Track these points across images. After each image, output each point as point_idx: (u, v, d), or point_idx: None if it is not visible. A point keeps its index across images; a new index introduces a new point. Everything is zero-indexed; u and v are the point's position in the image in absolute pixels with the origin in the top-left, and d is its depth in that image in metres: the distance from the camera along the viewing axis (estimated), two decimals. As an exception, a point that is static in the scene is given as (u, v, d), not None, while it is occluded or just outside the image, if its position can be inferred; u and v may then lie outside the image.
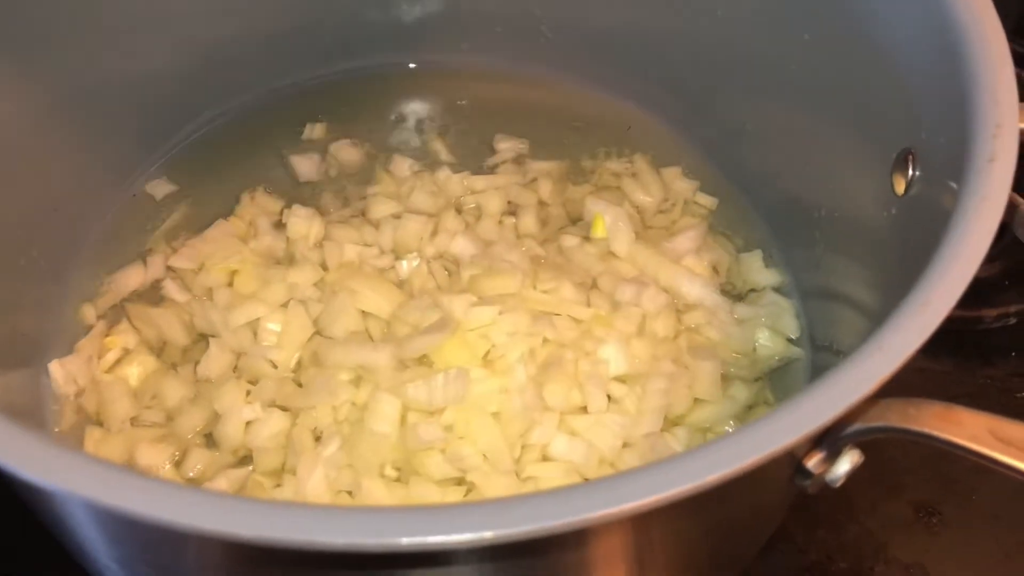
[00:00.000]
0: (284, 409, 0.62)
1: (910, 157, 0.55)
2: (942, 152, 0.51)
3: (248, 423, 0.62)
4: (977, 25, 0.51)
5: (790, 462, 0.42)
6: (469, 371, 0.60)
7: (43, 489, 0.36)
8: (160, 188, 0.77)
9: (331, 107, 0.83)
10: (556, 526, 0.34)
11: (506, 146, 0.81)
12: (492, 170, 0.79)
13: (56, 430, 0.64)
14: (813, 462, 0.43)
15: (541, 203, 0.77)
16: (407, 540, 0.32)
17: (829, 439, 0.42)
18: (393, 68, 0.86)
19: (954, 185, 0.46)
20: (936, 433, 0.39)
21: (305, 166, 0.79)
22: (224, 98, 0.82)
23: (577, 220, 0.76)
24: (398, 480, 0.59)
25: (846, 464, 0.43)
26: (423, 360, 0.63)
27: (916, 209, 0.54)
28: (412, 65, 0.86)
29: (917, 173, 0.54)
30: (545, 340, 0.64)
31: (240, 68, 0.81)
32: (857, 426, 0.40)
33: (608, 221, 0.73)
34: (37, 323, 0.68)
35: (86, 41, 0.69)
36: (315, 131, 0.81)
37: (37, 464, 0.36)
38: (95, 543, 0.46)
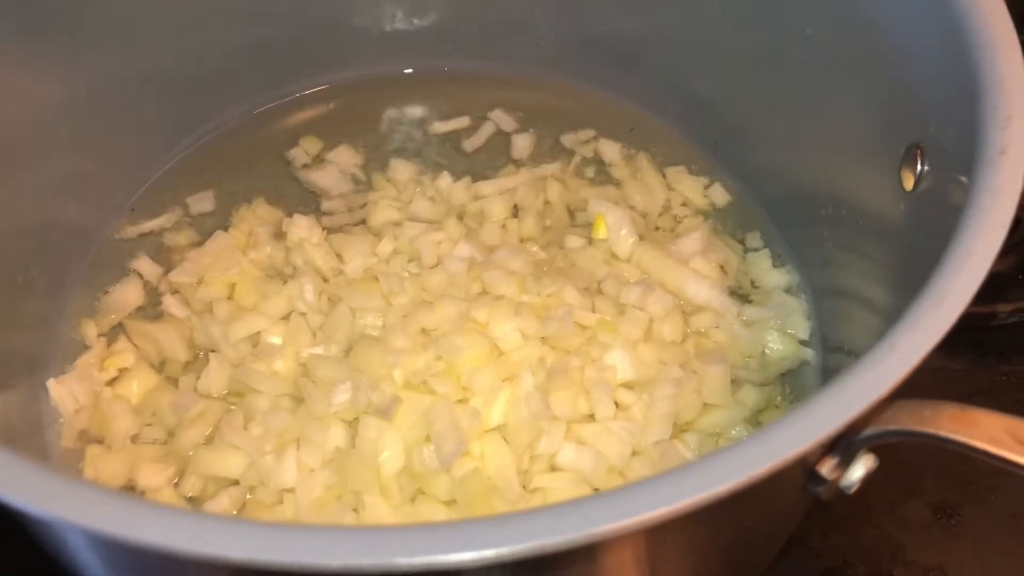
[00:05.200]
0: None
1: (918, 152, 0.54)
2: (951, 146, 0.50)
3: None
4: (983, 14, 0.50)
5: (803, 469, 0.41)
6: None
7: (33, 516, 0.35)
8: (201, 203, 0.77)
9: (328, 115, 0.83)
10: (568, 540, 0.33)
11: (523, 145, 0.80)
12: (494, 174, 0.78)
13: (56, 448, 0.63)
14: (826, 468, 0.41)
15: (544, 205, 0.76)
16: (405, 560, 0.31)
17: (842, 444, 0.40)
18: (390, 74, 0.85)
19: (964, 179, 0.45)
20: (953, 436, 0.38)
21: (325, 180, 0.78)
22: (220, 110, 0.81)
23: (580, 223, 0.75)
24: (402, 498, 0.58)
25: (860, 469, 0.42)
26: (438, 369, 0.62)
27: (926, 204, 0.53)
28: (408, 71, 0.85)
29: (926, 168, 0.53)
30: (551, 347, 0.63)
31: (235, 80, 0.80)
32: (871, 430, 0.39)
33: (610, 222, 0.72)
34: (35, 341, 0.67)
35: (89, 49, 0.69)
36: (310, 143, 0.80)
37: (26, 490, 0.35)
38: (95, 569, 0.45)
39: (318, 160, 0.79)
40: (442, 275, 0.68)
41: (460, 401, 0.61)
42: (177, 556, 0.33)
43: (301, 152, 0.80)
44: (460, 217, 0.75)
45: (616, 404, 0.61)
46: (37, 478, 0.35)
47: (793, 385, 0.66)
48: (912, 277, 0.49)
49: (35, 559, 0.53)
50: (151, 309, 0.70)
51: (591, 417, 0.61)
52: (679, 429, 0.62)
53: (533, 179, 0.77)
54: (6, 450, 0.37)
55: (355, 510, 0.58)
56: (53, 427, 0.64)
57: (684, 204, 0.76)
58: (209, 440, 0.62)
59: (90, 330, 0.69)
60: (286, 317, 0.67)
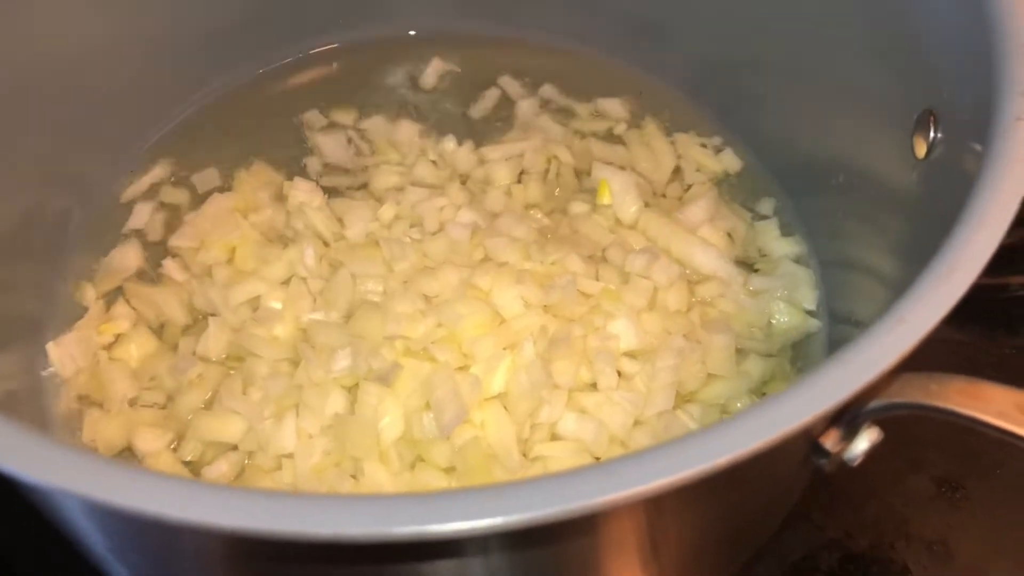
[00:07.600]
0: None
1: (931, 118, 0.52)
2: (966, 112, 0.49)
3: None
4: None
5: (806, 441, 0.40)
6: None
7: (28, 483, 0.35)
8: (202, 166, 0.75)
9: (332, 76, 0.81)
10: (568, 510, 0.32)
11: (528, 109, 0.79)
12: (499, 138, 0.77)
13: (55, 412, 0.63)
14: (830, 440, 0.41)
15: (550, 171, 0.75)
16: (397, 530, 0.31)
17: (847, 417, 0.40)
18: (395, 36, 0.83)
19: (978, 147, 0.44)
20: (960, 410, 0.37)
21: (330, 146, 0.76)
22: (222, 71, 0.80)
23: (586, 188, 0.73)
24: (401, 466, 0.57)
25: (864, 442, 0.41)
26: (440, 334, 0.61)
27: (939, 173, 0.52)
28: (412, 32, 0.84)
29: (939, 135, 0.52)
30: (553, 315, 0.62)
31: (238, 40, 0.79)
32: (876, 403, 0.38)
33: (615, 187, 0.71)
34: (35, 304, 0.66)
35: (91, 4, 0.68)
36: (336, 113, 0.79)
37: (21, 458, 0.34)
38: (88, 532, 0.45)
39: (323, 123, 0.78)
40: (444, 241, 0.67)
41: (461, 369, 0.60)
42: (170, 524, 0.33)
43: (309, 115, 0.78)
44: (463, 182, 0.74)
45: (619, 373, 0.61)
46: (31, 445, 0.35)
47: (799, 356, 0.65)
48: (923, 248, 0.48)
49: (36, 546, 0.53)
50: (150, 272, 0.69)
51: (593, 386, 0.60)
52: (682, 399, 0.61)
53: (539, 144, 0.76)
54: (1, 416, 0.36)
55: (354, 477, 0.57)
56: (52, 390, 0.63)
57: (698, 170, 0.75)
58: (208, 405, 0.62)
59: (89, 293, 0.68)
60: (286, 282, 0.67)
